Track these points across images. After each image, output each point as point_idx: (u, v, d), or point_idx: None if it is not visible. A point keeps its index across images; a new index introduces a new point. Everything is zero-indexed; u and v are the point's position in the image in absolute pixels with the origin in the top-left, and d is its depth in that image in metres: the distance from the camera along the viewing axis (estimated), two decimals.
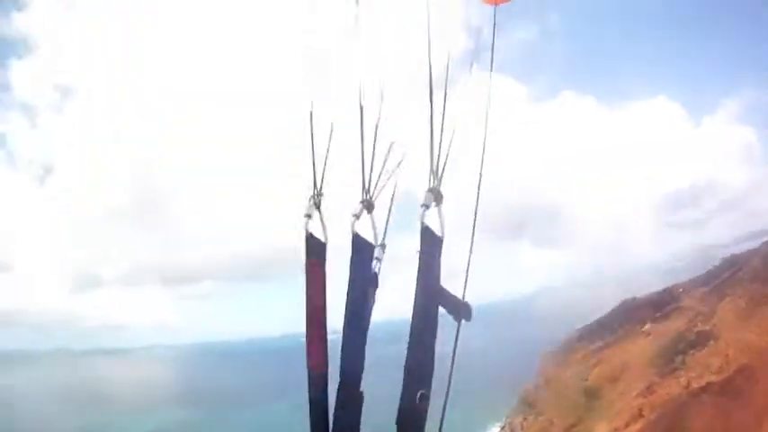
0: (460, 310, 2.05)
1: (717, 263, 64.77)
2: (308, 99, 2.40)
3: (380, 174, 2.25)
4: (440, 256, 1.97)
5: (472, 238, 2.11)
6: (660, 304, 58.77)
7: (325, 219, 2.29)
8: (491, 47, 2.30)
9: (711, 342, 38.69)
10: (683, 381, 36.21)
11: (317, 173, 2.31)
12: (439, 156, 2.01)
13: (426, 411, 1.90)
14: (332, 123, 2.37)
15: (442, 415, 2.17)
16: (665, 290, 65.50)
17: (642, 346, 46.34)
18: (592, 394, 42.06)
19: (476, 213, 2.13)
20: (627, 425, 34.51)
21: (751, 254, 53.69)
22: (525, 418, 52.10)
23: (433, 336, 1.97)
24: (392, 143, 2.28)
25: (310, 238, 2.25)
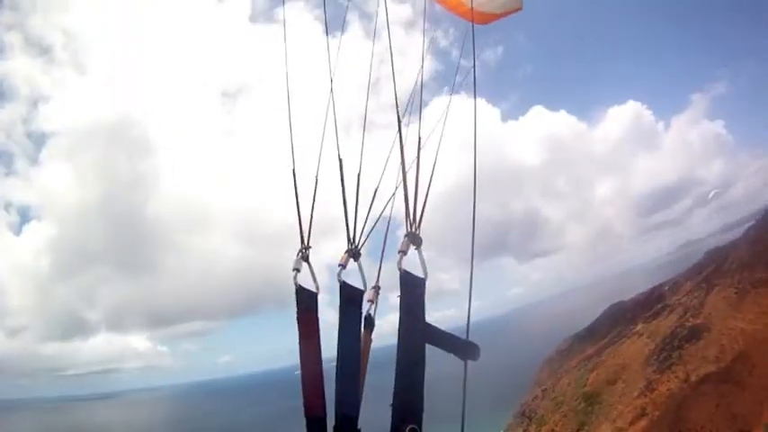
0: (465, 349, 2.19)
1: (700, 257, 64.86)
2: (290, 156, 2.57)
3: (365, 223, 2.39)
4: (423, 296, 2.03)
5: (472, 262, 2.26)
6: (648, 304, 59.03)
7: (314, 271, 2.32)
8: (473, 71, 2.57)
9: (705, 334, 38.55)
10: (681, 375, 36.02)
11: (304, 227, 2.38)
12: (416, 202, 2.13)
13: None
14: (315, 178, 2.50)
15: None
16: (651, 290, 65.86)
17: (637, 347, 46.28)
18: (592, 399, 41.93)
19: (473, 237, 2.25)
20: (631, 424, 34.35)
21: (735, 243, 54.18)
22: (525, 430, 51.68)
23: (422, 374, 1.99)
24: (375, 192, 2.47)
25: (300, 291, 2.29)
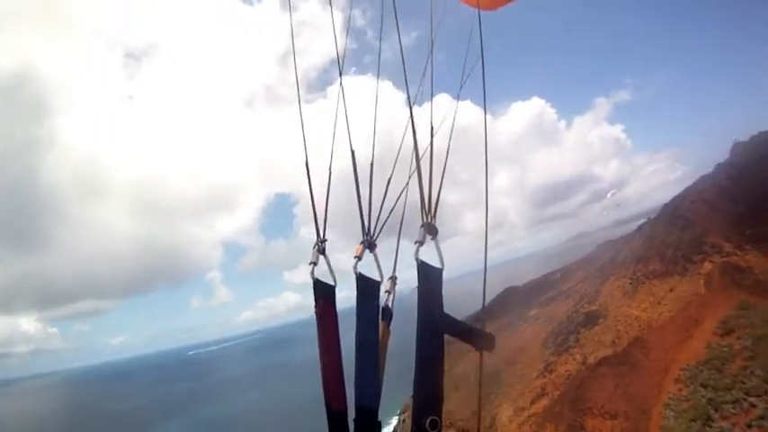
0: (481, 339, 2.22)
1: (592, 248, 70.64)
2: (302, 149, 2.54)
3: (379, 213, 2.37)
4: (440, 286, 2.06)
5: (486, 247, 2.34)
6: (541, 290, 64.30)
7: (331, 263, 2.35)
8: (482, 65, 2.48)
9: (601, 320, 40.47)
10: (579, 357, 37.40)
11: (319, 220, 2.39)
12: (430, 191, 2.15)
13: None
14: (329, 170, 2.52)
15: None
16: (544, 276, 71.12)
17: (534, 331, 47.92)
18: (491, 379, 42.46)
19: (486, 221, 2.36)
20: (532, 403, 34.95)
21: (627, 238, 58.03)
22: None
23: (441, 365, 2.02)
24: (388, 182, 2.50)
25: (318, 284, 2.29)
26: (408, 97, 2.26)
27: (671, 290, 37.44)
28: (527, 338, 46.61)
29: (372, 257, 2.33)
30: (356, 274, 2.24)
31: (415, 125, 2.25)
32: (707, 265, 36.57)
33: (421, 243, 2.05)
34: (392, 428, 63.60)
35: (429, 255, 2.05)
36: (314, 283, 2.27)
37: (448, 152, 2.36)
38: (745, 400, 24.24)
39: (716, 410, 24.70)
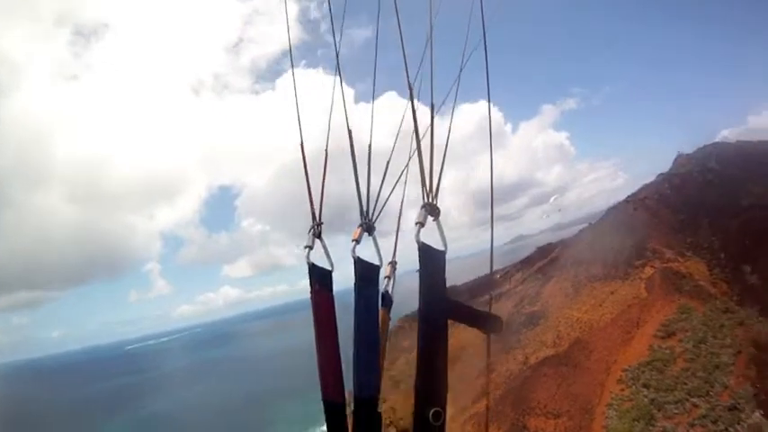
0: (487, 322, 2.17)
1: (531, 251, 70.49)
2: (298, 131, 2.56)
3: (377, 196, 2.34)
4: (443, 269, 1.95)
5: (491, 232, 2.24)
6: (481, 290, 61.93)
7: (328, 247, 2.32)
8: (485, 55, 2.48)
9: (542, 320, 40.92)
10: (520, 357, 37.47)
11: (315, 203, 2.40)
12: (431, 171, 2.08)
13: (443, 428, 1.86)
14: (326, 152, 2.51)
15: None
16: (484, 276, 66.36)
17: (474, 330, 46.75)
18: None
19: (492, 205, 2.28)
20: (474, 402, 34.20)
21: (570, 242, 58.68)
22: None
23: (445, 352, 1.94)
24: (387, 164, 2.51)
25: (313, 269, 2.20)
26: (407, 76, 2.12)
27: (612, 293, 37.95)
28: (467, 338, 47.12)
29: (372, 241, 2.25)
30: (354, 258, 2.15)
31: (415, 105, 2.15)
32: (648, 270, 37.40)
33: (422, 224, 1.91)
34: None
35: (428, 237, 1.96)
36: (309, 268, 2.19)
37: (450, 130, 2.29)
38: (687, 400, 24.64)
39: (659, 410, 25.01)
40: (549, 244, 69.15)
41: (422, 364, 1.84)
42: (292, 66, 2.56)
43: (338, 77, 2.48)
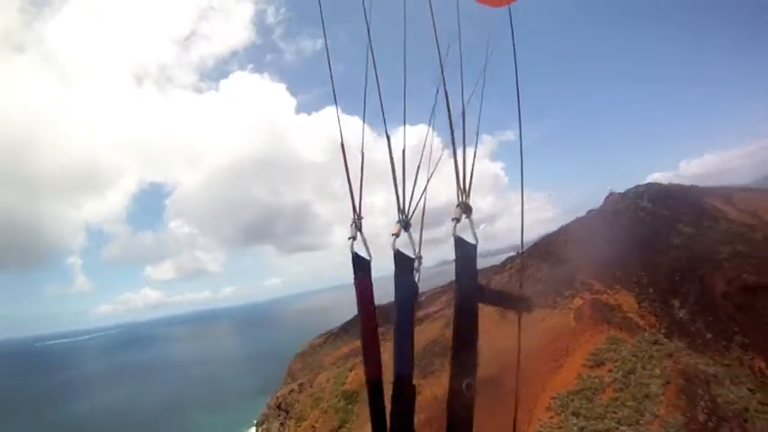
0: (518, 302, 2.56)
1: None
2: (338, 131, 2.69)
3: (412, 195, 2.54)
4: (475, 260, 2.23)
5: (522, 222, 2.52)
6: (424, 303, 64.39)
7: (367, 239, 2.55)
8: (513, 55, 2.56)
9: None
10: (445, 381, 32.85)
11: (356, 198, 2.58)
12: (464, 170, 2.32)
13: (474, 399, 2.22)
14: (362, 152, 2.66)
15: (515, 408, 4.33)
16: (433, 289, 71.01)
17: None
18: (352, 398, 40.75)
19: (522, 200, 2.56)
20: None
21: (497, 269, 59.32)
22: (283, 424, 49.78)
23: (476, 332, 2.22)
24: (418, 166, 2.60)
25: (356, 258, 2.48)
26: (442, 74, 2.33)
27: (541, 320, 37.67)
28: (389, 359, 47.60)
29: (406, 237, 2.46)
30: (394, 251, 2.36)
31: (450, 104, 2.33)
32: (577, 301, 37.66)
33: (457, 220, 2.17)
34: None
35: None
36: (353, 257, 2.46)
37: (478, 131, 2.44)
38: (617, 428, 24.58)
39: None
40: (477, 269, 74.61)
41: (457, 342, 2.17)
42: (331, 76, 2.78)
43: (373, 73, 2.58)
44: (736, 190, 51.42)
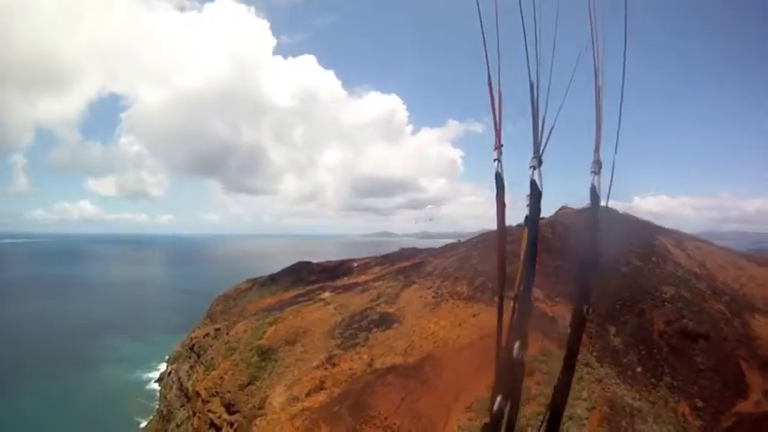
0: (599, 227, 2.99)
1: (394, 249, 71.82)
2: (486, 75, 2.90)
3: (546, 137, 2.89)
4: (540, 202, 2.83)
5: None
6: (334, 273, 63.30)
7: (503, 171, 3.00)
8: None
9: (396, 325, 38.10)
10: (366, 358, 34.44)
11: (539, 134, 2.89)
12: (542, 128, 2.79)
13: (524, 360, 2.73)
14: (499, 90, 2.88)
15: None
16: (341, 261, 69.58)
17: (322, 315, 43.43)
18: (266, 355, 37.96)
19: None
20: (308, 395, 31.33)
21: (439, 252, 57.31)
22: (192, 367, 47.23)
23: (595, 262, 2.92)
24: (543, 116, 2.89)
25: (498, 177, 2.85)
26: (592, 31, 2.68)
27: (474, 315, 36.52)
28: (313, 321, 42.03)
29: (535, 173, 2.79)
30: (530, 180, 2.74)
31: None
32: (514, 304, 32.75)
33: (534, 168, 2.71)
34: (158, 375, 61.81)
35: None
36: (496, 177, 2.82)
37: (623, 85, 2.92)
38: None
39: None
40: (414, 248, 70.29)
41: (579, 271, 2.74)
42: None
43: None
44: (687, 237, 51.86)
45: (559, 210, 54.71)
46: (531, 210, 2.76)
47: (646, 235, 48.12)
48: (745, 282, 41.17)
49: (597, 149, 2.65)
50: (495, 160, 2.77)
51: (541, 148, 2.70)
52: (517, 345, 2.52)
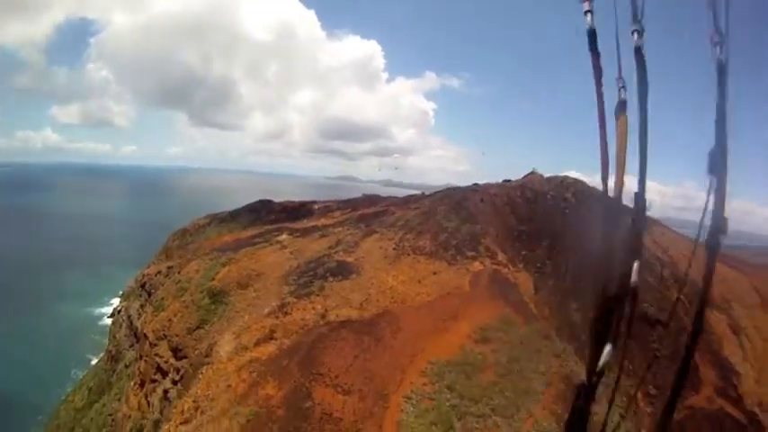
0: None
1: (358, 194, 68.63)
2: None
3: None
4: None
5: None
6: (295, 214, 61.20)
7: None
8: None
9: (354, 275, 36.63)
10: (320, 308, 32.78)
11: None
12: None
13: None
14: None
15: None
16: (303, 202, 66.76)
17: (278, 259, 41.64)
18: (217, 298, 36.20)
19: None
20: (257, 344, 29.70)
21: (403, 202, 55.57)
22: (143, 306, 45.95)
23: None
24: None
25: (591, 33, 2.51)
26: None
27: (435, 273, 35.35)
28: (268, 264, 40.21)
29: None
30: (634, 48, 2.41)
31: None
32: (477, 265, 35.55)
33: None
34: (111, 310, 61.49)
35: None
36: (588, 34, 2.49)
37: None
38: (490, 416, 22.66)
39: (459, 419, 22.52)
40: (377, 195, 66.95)
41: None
42: None
43: None
44: (654, 221, 50.63)
45: (528, 174, 52.90)
46: (639, 85, 2.29)
47: (617, 210, 49.03)
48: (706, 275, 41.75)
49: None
50: (585, 12, 2.40)
51: (640, 12, 2.33)
52: (635, 266, 2.35)
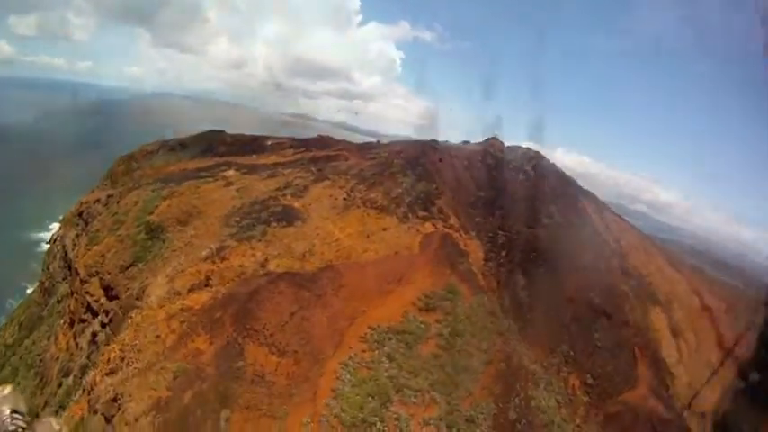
0: None
1: (313, 134, 66.79)
2: None
3: None
4: None
5: None
6: (246, 148, 58.80)
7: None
8: None
9: (299, 223, 34.50)
10: (260, 256, 30.71)
11: None
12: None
13: None
14: None
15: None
16: (255, 137, 64.92)
17: (222, 197, 38.86)
18: (154, 234, 33.86)
19: None
20: (190, 290, 27.55)
21: (357, 149, 53.74)
22: (78, 236, 42.80)
23: None
24: None
25: None
26: None
27: (384, 229, 33.77)
28: (210, 201, 37.63)
29: None
30: None
31: None
32: (428, 226, 34.31)
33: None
34: (50, 236, 56.08)
35: None
36: None
37: None
38: (428, 392, 22.08)
39: (397, 392, 21.74)
40: (330, 137, 64.21)
41: None
42: None
43: None
44: (606, 207, 51.06)
45: (489, 139, 50.80)
46: None
47: (572, 193, 46.66)
48: (653, 271, 41.88)
49: None
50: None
51: None
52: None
